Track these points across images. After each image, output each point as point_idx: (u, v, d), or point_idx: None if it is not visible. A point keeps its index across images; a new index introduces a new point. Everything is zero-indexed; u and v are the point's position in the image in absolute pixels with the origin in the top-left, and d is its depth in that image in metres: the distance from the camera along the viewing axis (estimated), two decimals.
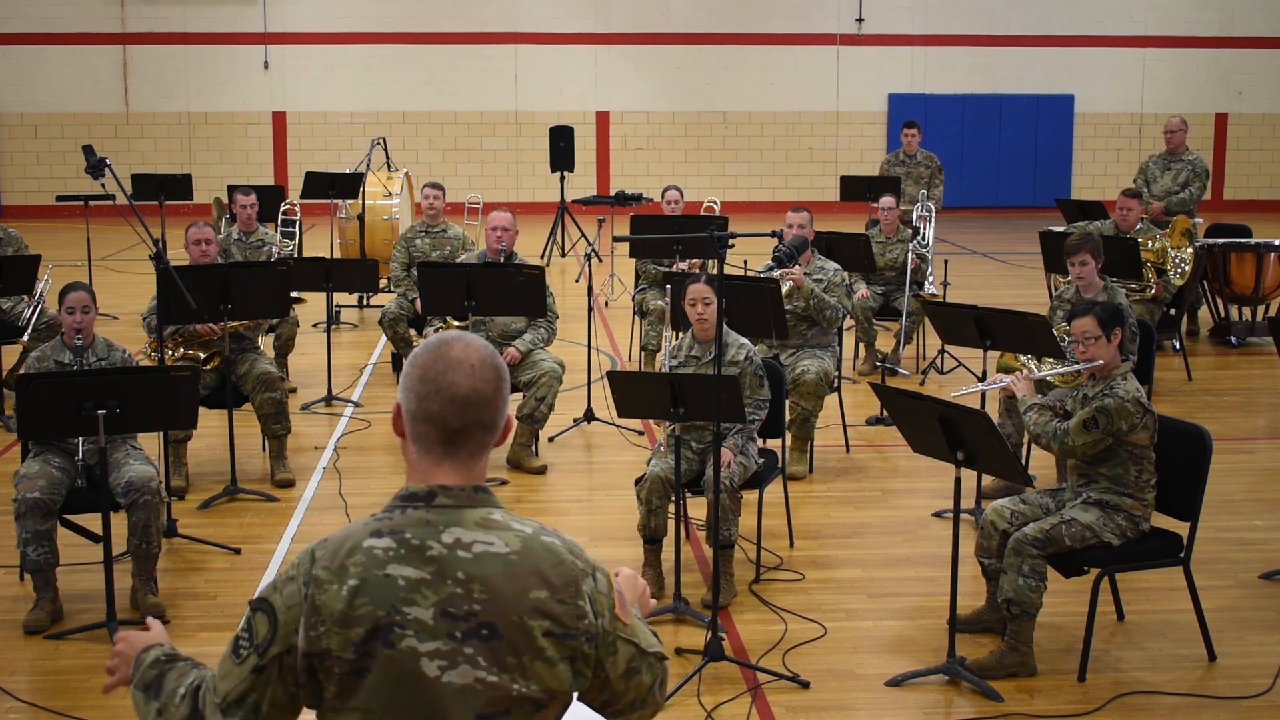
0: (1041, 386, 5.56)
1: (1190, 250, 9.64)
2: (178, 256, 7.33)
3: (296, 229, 12.26)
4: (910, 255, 9.89)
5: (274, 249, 9.72)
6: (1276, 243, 10.92)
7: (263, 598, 2.21)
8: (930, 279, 10.03)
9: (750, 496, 6.07)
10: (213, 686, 2.21)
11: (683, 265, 9.36)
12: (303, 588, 2.17)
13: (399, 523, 2.20)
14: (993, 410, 6.37)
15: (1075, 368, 5.31)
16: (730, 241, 5.09)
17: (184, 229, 7.92)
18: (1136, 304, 9.18)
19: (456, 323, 7.72)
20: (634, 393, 5.78)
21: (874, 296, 9.95)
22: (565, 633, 2.18)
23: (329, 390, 9.09)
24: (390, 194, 12.98)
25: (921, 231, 10.61)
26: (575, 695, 2.26)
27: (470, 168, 21.33)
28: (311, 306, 10.39)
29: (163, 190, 12.34)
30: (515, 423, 2.34)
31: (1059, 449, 5.16)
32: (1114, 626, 5.52)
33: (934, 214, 10.72)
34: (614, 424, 8.40)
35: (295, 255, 10.95)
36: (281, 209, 12.37)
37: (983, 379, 7.03)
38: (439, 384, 2.22)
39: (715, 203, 12.28)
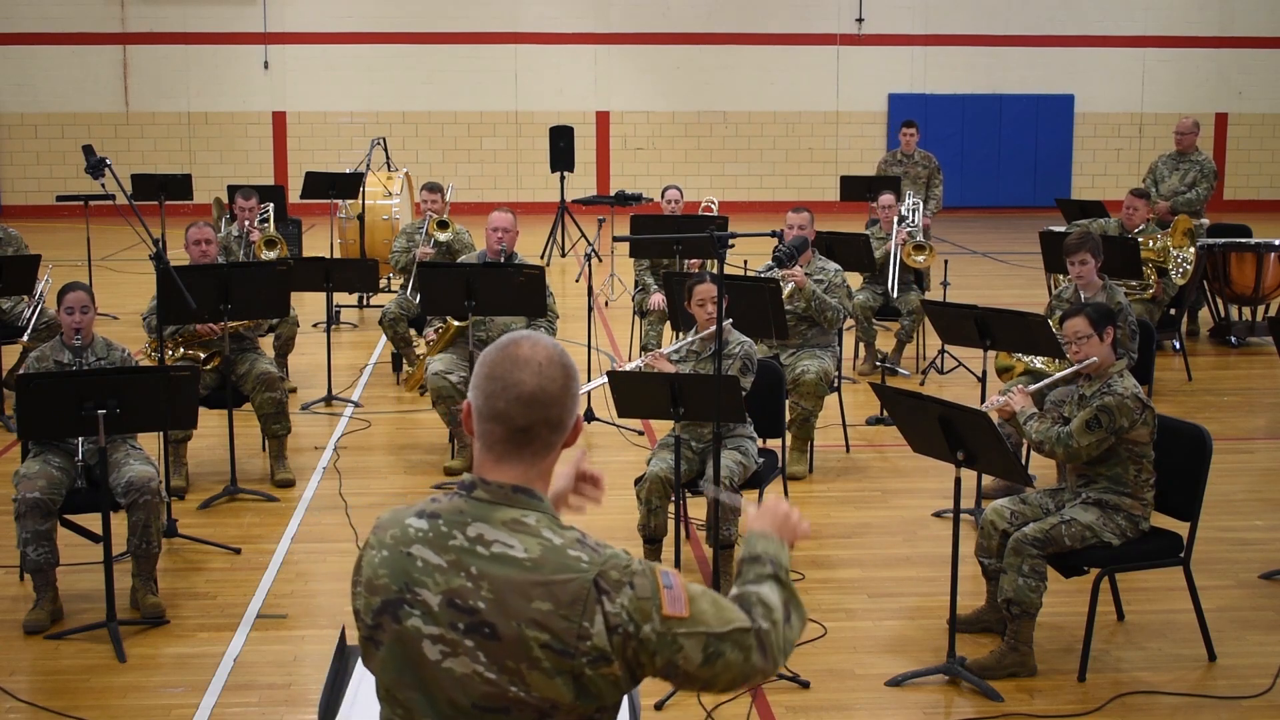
0: (1038, 399, 5.55)
1: (1192, 250, 9.64)
2: (178, 256, 7.33)
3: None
4: (896, 236, 9.86)
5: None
6: (1276, 243, 10.92)
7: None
8: (926, 239, 9.98)
9: (750, 496, 6.07)
10: None
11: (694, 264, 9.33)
12: (360, 547, 2.34)
13: (442, 507, 2.26)
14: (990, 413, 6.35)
15: (1072, 369, 5.30)
16: (730, 241, 5.09)
17: (184, 229, 7.92)
18: (1136, 303, 9.18)
19: (457, 323, 7.72)
20: (634, 393, 5.79)
21: (874, 296, 9.94)
22: (563, 649, 2.15)
23: (329, 390, 9.09)
24: (390, 194, 12.98)
25: (911, 217, 10.52)
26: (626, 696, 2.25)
27: (470, 168, 21.33)
28: (311, 306, 10.39)
29: (163, 190, 12.34)
30: (584, 424, 2.38)
31: (1063, 453, 5.14)
32: (1114, 626, 5.52)
33: (919, 211, 10.64)
34: (614, 424, 8.40)
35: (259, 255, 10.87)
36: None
37: (982, 381, 7.04)
38: (506, 382, 2.25)
39: (713, 202, 12.27)
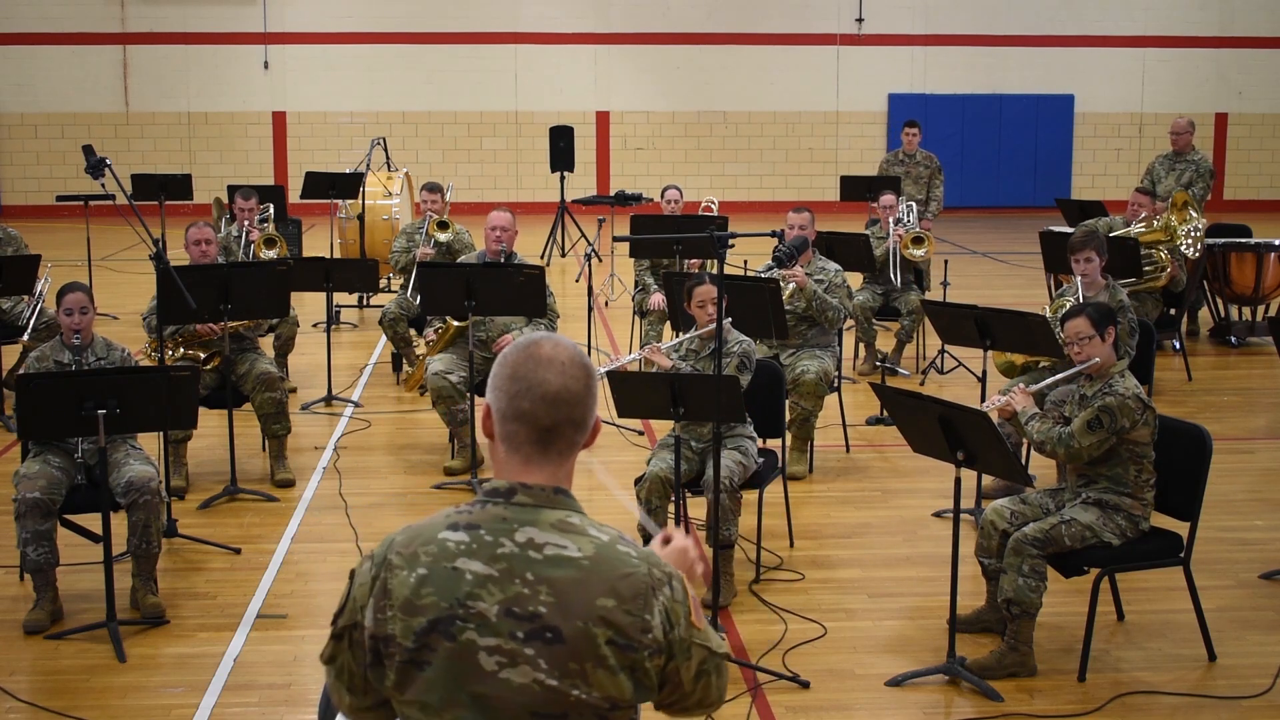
0: (1038, 399, 5.55)
1: (1197, 216, 9.56)
2: (178, 256, 7.33)
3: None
4: (892, 235, 9.86)
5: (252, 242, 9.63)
6: (1276, 243, 10.92)
7: (353, 569, 2.29)
8: (926, 224, 9.98)
9: (750, 496, 6.07)
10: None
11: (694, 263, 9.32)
12: (375, 568, 2.22)
13: (477, 517, 2.21)
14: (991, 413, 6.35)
15: (1074, 370, 5.30)
16: (730, 241, 5.09)
17: (184, 229, 7.92)
18: (1147, 297, 9.17)
19: (456, 323, 7.72)
20: (634, 393, 5.78)
21: (874, 296, 9.94)
22: (628, 644, 2.16)
23: (329, 390, 9.09)
24: (390, 194, 12.98)
25: (906, 219, 10.50)
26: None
27: (470, 168, 21.33)
28: (311, 306, 10.39)
29: (163, 190, 12.34)
30: (603, 425, 2.32)
31: (1065, 453, 5.14)
32: (1114, 626, 5.52)
33: (913, 213, 10.65)
34: (614, 424, 8.40)
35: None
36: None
37: (982, 381, 7.04)
38: (530, 382, 2.22)
39: (714, 202, 12.26)
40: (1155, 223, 9.54)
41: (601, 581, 2.16)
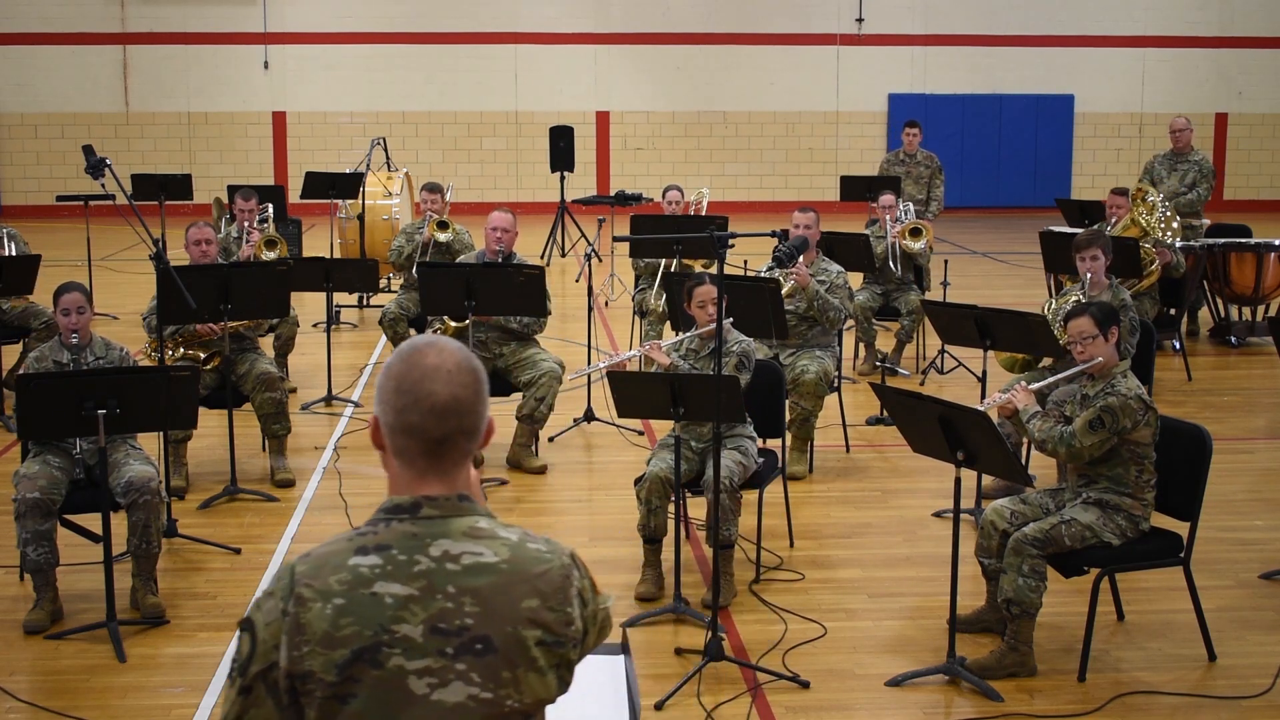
0: (1039, 397, 5.55)
1: (1160, 199, 9.49)
2: (177, 257, 7.32)
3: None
4: (891, 234, 9.85)
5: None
6: (1276, 243, 10.92)
7: (246, 616, 2.15)
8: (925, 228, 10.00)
9: (750, 496, 6.07)
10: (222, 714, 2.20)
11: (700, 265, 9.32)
12: (281, 603, 2.10)
13: (384, 537, 2.12)
14: (991, 410, 6.35)
15: (1076, 369, 5.30)
16: (730, 241, 5.08)
17: (184, 229, 7.92)
18: (1142, 299, 9.16)
19: (453, 323, 7.72)
20: (634, 393, 5.78)
21: (874, 296, 9.94)
22: (555, 640, 2.15)
23: (329, 390, 9.09)
24: (390, 194, 12.98)
25: (904, 219, 10.49)
26: None
27: (470, 168, 21.34)
28: (311, 306, 10.39)
29: (163, 190, 12.35)
30: (495, 426, 2.25)
31: (1065, 452, 5.13)
32: (1114, 626, 5.52)
33: (910, 213, 10.66)
34: (614, 424, 8.40)
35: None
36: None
37: (982, 381, 7.04)
38: (416, 394, 2.14)
39: (703, 193, 12.21)
40: (1134, 217, 9.49)
41: (523, 582, 2.13)
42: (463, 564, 2.11)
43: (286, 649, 2.07)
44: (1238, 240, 11.24)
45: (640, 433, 8.40)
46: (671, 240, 9.19)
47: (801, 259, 7.33)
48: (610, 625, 2.33)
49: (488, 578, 2.12)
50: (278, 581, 2.13)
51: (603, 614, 2.28)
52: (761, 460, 6.11)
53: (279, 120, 21.30)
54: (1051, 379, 5.62)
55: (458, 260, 8.87)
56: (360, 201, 12.38)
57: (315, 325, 11.06)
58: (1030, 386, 5.48)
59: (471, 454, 2.23)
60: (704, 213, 12.02)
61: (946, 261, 10.49)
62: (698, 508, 6.62)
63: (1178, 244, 9.64)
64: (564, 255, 16.45)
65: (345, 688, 2.06)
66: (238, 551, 6.35)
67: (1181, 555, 5.16)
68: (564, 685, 2.20)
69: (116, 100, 21.00)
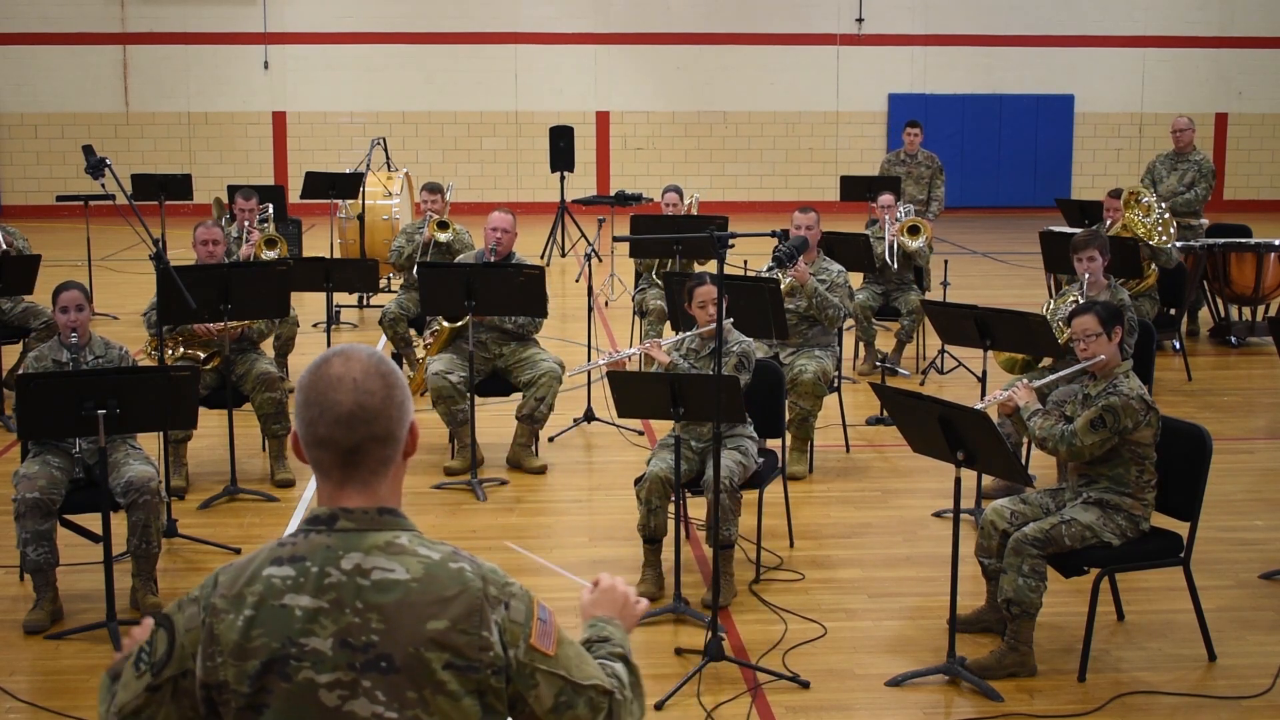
0: (1040, 396, 5.55)
1: (1153, 200, 9.49)
2: (177, 256, 7.33)
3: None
4: (890, 233, 9.85)
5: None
6: (1276, 243, 10.92)
7: (166, 614, 2.14)
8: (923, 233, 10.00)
9: (750, 496, 6.07)
10: (115, 693, 2.17)
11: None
12: (201, 612, 2.10)
13: (301, 549, 2.11)
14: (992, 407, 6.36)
15: (1077, 367, 5.30)
16: (730, 241, 5.08)
17: (184, 229, 7.93)
18: (1141, 299, 9.16)
19: (449, 324, 7.71)
20: (634, 393, 5.78)
21: (874, 296, 9.94)
22: (468, 665, 2.08)
23: None
24: (390, 194, 12.98)
25: (901, 217, 10.47)
26: None
27: (470, 168, 21.33)
28: (311, 306, 10.38)
29: (163, 190, 12.34)
30: (420, 430, 2.22)
31: (1066, 451, 5.13)
32: (1114, 626, 5.52)
33: (910, 213, 10.64)
34: (614, 424, 8.40)
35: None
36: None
37: (982, 381, 7.04)
38: (322, 406, 2.13)
39: (695, 196, 12.20)
40: (1129, 218, 9.49)
41: (431, 603, 2.07)
42: (372, 579, 2.08)
43: (201, 659, 2.08)
44: (1238, 240, 11.24)
45: (640, 433, 8.40)
46: (671, 240, 9.18)
47: (801, 259, 7.32)
48: (595, 713, 2.20)
49: (395, 595, 2.08)
50: (202, 588, 2.14)
51: (555, 682, 2.15)
52: (761, 460, 6.11)
53: (279, 120, 21.29)
54: (1053, 376, 5.63)
55: (457, 260, 8.86)
56: (360, 201, 12.38)
57: (315, 325, 11.06)
58: (1032, 384, 5.48)
59: (392, 462, 2.19)
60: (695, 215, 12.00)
61: (946, 261, 10.49)
62: (698, 508, 6.62)
63: (1176, 244, 9.64)
64: (564, 255, 16.45)
65: (259, 698, 2.06)
66: (238, 551, 6.35)
67: (1181, 555, 5.16)
68: (496, 714, 2.12)
69: (116, 100, 21.00)
